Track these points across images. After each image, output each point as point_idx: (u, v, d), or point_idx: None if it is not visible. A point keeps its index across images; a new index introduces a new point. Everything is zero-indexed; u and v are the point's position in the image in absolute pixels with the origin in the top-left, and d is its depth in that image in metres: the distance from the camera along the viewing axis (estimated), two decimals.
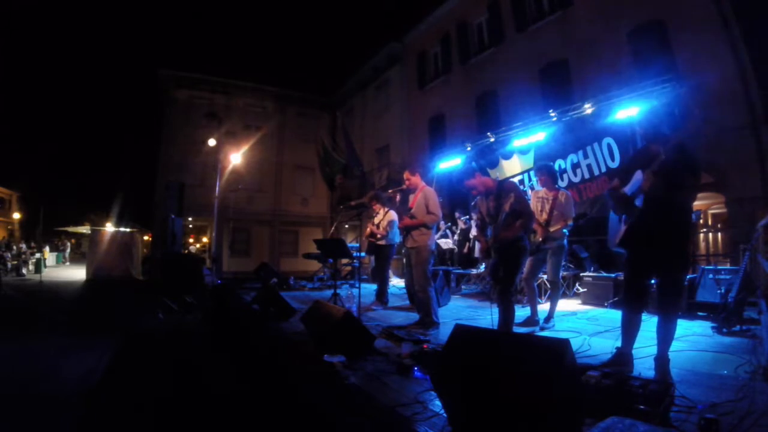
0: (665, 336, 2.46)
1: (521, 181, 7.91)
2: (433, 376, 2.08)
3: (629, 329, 2.61)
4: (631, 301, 2.63)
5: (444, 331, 3.99)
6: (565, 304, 5.53)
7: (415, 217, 4.31)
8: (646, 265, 2.55)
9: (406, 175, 4.57)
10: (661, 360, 2.43)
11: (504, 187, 3.47)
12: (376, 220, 5.84)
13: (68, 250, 26.38)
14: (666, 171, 2.28)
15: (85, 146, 61.09)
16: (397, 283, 9.08)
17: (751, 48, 6.93)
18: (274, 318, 4.87)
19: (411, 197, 4.50)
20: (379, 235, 5.72)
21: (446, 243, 9.01)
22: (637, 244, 2.54)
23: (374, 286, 5.90)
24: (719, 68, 6.89)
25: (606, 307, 5.29)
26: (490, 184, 3.59)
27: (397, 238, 5.87)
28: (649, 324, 2.72)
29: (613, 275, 5.60)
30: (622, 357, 2.58)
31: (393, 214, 5.83)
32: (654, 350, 2.55)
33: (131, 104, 65.02)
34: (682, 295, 2.64)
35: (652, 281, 2.79)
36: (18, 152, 50.02)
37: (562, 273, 5.25)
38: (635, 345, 2.66)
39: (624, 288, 2.74)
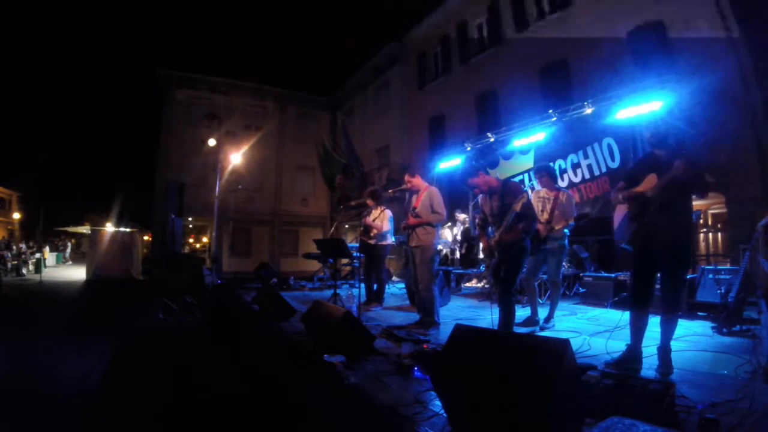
0: (667, 329, 2.60)
1: (521, 181, 7.91)
2: (433, 376, 2.08)
3: (638, 326, 2.69)
4: (638, 297, 2.71)
5: (444, 331, 3.99)
6: (564, 304, 5.53)
7: (420, 216, 4.31)
8: (651, 262, 2.67)
9: (406, 178, 4.58)
10: (664, 350, 2.56)
11: (510, 187, 3.47)
12: (371, 217, 5.82)
13: (68, 250, 26.39)
14: (678, 184, 2.52)
15: (85, 146, 61.09)
16: (396, 280, 9.08)
17: (751, 48, 6.93)
18: (274, 318, 4.86)
19: (414, 198, 4.51)
20: (373, 232, 5.69)
21: (446, 243, 9.02)
22: (644, 241, 2.70)
23: (374, 287, 5.86)
24: (719, 68, 6.89)
25: (606, 307, 5.28)
26: (494, 184, 3.57)
27: (391, 239, 5.85)
28: (652, 323, 2.75)
29: (613, 275, 5.58)
30: (633, 354, 2.66)
31: (389, 214, 5.81)
32: (654, 350, 2.62)
33: (131, 104, 65.02)
34: (682, 291, 2.80)
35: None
36: (18, 152, 50.03)
37: (563, 273, 5.25)
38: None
39: (631, 285, 2.83)
